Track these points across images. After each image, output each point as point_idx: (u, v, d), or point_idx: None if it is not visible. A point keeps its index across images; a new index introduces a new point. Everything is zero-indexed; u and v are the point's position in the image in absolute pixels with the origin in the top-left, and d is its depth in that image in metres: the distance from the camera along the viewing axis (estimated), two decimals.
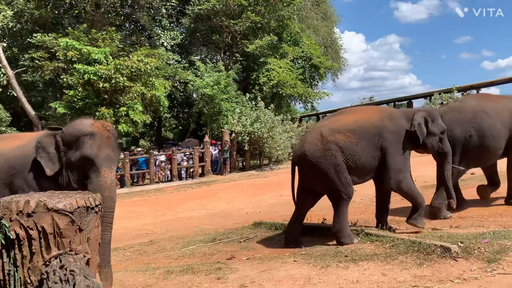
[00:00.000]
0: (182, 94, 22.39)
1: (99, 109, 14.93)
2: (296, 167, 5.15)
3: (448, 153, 5.51)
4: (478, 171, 7.58)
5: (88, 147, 3.55)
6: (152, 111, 17.97)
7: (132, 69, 15.33)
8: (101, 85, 14.84)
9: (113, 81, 14.96)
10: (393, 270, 3.66)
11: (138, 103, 15.58)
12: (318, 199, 5.29)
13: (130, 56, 16.01)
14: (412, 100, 27.09)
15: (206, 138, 16.72)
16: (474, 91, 22.47)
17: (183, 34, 22.28)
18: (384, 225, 5.20)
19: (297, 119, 22.30)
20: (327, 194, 5.05)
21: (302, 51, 22.67)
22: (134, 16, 21.00)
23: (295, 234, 5.18)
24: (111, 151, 3.65)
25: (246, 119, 16.89)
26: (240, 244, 5.59)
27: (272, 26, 21.65)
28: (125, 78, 15.17)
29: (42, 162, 3.52)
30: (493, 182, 6.49)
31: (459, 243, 3.90)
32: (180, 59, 20.88)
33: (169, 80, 18.97)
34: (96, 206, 1.80)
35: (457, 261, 3.60)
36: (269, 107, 17.61)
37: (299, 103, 25.23)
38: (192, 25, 22.01)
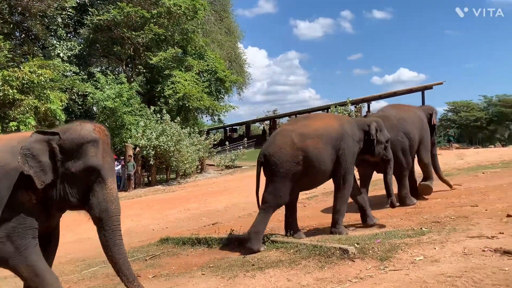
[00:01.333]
0: (81, 107, 21.16)
1: None
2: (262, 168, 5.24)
3: (391, 160, 5.94)
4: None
5: (93, 156, 3.11)
6: (47, 126, 16.70)
7: (23, 81, 14.15)
8: None
9: (0, 94, 13.69)
10: (297, 275, 3.79)
11: (31, 117, 14.39)
12: (297, 196, 5.55)
13: (21, 67, 14.77)
14: (311, 113, 28.65)
15: None
16: (366, 104, 24.42)
17: (81, 45, 21.16)
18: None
19: (205, 132, 22.29)
20: (263, 195, 5.15)
21: (207, 65, 22.79)
22: (26, 25, 19.44)
23: (294, 225, 5.40)
24: (112, 159, 3.31)
25: (151, 132, 16.48)
26: (146, 262, 5.40)
27: (176, 39, 21.51)
28: (15, 91, 13.96)
29: (32, 172, 2.98)
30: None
31: (356, 244, 4.17)
32: (78, 71, 19.73)
33: (66, 92, 17.80)
34: None
35: (354, 261, 3.84)
36: (176, 120, 17.37)
37: (206, 116, 25.26)
38: (91, 36, 21.01)
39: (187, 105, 20.12)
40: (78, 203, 3.19)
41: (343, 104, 21.03)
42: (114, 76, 19.41)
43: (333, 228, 5.37)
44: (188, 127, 17.99)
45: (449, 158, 12.83)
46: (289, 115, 34.51)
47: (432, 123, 7.76)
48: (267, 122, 43.55)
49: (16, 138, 3.27)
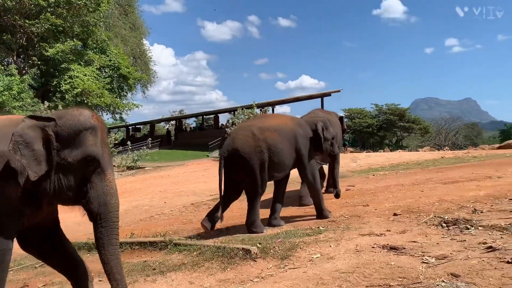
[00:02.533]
0: None
1: None
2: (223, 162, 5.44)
3: (338, 155, 6.65)
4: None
5: (92, 144, 2.78)
6: None
7: None
8: None
9: None
10: (200, 277, 3.77)
11: None
12: (241, 193, 5.78)
13: None
14: (218, 114, 28.82)
15: None
16: (270, 108, 25.19)
17: None
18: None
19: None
20: (246, 188, 5.57)
21: (110, 60, 21.74)
22: None
23: (211, 217, 5.53)
24: (110, 150, 2.97)
25: None
26: (35, 270, 4.97)
27: (75, 31, 20.19)
28: None
29: (24, 162, 2.60)
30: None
31: (258, 244, 4.27)
32: None
33: None
34: None
35: (256, 261, 3.92)
36: None
37: (107, 113, 24.05)
38: None
39: (86, 101, 18.97)
40: (73, 197, 2.84)
41: (250, 107, 21.43)
42: (3, 67, 17.60)
43: (319, 217, 5.91)
44: None
45: (344, 161, 13.73)
46: (195, 115, 34.34)
47: (342, 128, 8.37)
48: (173, 122, 42.81)
49: (3, 121, 2.90)
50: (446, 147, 27.83)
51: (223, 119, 29.81)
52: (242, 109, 21.27)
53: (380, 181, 9.18)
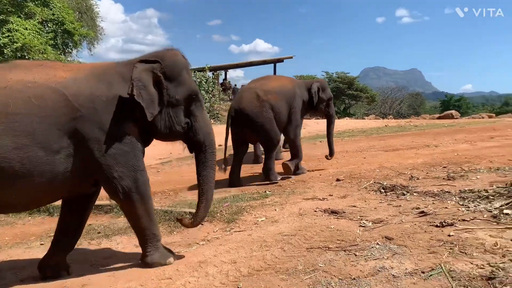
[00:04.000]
0: None
1: None
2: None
3: (333, 116, 7.13)
4: None
5: (191, 81, 3.15)
6: None
7: None
8: None
9: None
10: None
11: None
12: (248, 148, 6.53)
13: None
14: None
15: None
16: (223, 72, 24.89)
17: None
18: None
19: None
20: (261, 142, 6.41)
21: (53, 14, 20.36)
22: None
23: (237, 176, 6.22)
24: None
25: None
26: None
27: None
28: None
29: (143, 103, 2.79)
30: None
31: None
32: None
33: None
34: None
35: (203, 224, 3.98)
36: None
37: None
38: None
39: (27, 57, 17.81)
40: (182, 131, 3.13)
41: (202, 70, 21.07)
42: None
43: (297, 171, 6.45)
44: None
45: None
46: None
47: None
48: None
49: (98, 67, 2.96)
50: (390, 116, 28.96)
51: None
52: (194, 72, 20.89)
53: (326, 147, 9.46)
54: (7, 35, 17.55)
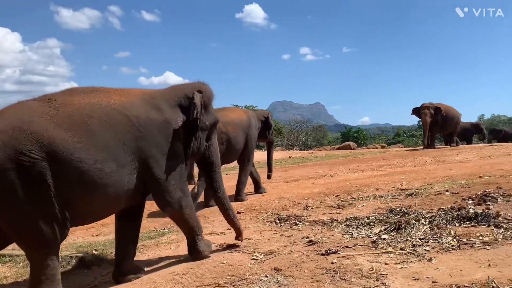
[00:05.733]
0: None
1: None
2: None
3: (273, 143, 8.00)
4: None
5: (214, 111, 3.79)
6: None
7: None
8: None
9: None
10: None
11: None
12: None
13: None
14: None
15: None
16: None
17: None
18: None
19: None
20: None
21: None
22: None
23: None
24: None
25: None
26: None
27: None
28: None
29: (200, 126, 3.47)
30: None
31: (94, 251, 4.08)
32: None
33: None
34: None
35: (90, 269, 3.74)
36: None
37: None
38: None
39: None
40: (203, 153, 3.70)
41: None
42: None
43: (237, 197, 6.68)
44: None
45: None
46: None
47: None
48: None
49: (147, 94, 3.33)
50: (296, 147, 30.22)
51: None
52: None
53: (231, 180, 9.54)
54: None
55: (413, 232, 3.66)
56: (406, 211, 4.36)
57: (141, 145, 3.02)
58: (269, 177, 7.89)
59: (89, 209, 2.88)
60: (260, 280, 2.92)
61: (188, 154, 3.43)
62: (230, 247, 3.90)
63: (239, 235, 3.93)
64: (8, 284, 3.64)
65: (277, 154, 18.11)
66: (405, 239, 3.51)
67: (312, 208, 5.31)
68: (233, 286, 2.88)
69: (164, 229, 5.17)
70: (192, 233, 3.61)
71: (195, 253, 3.61)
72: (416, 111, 14.54)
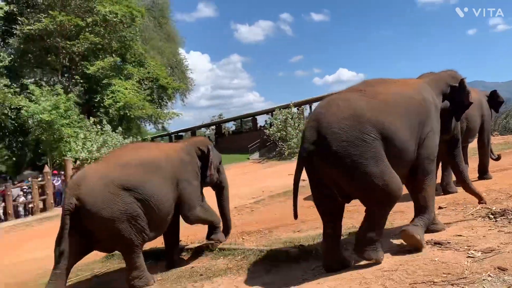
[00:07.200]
0: (14, 121, 19.98)
1: None
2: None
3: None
4: None
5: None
6: None
7: None
8: None
9: None
10: (245, 281, 3.85)
11: None
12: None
13: None
14: (256, 117, 29.01)
15: (46, 168, 15.18)
16: (308, 106, 25.06)
17: (12, 56, 19.93)
18: None
19: (149, 141, 21.86)
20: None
21: (148, 72, 22.42)
22: None
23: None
24: None
25: (92, 144, 15.94)
26: (91, 280, 5.24)
27: (114, 47, 20.99)
28: None
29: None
30: None
31: (299, 246, 4.30)
32: (9, 83, 18.60)
33: None
34: None
35: (298, 263, 3.96)
36: (117, 130, 16.93)
37: (149, 124, 24.81)
38: (22, 46, 19.92)
39: (128, 114, 19.67)
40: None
41: (287, 106, 21.44)
42: (49, 88, 18.51)
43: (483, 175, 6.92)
44: (131, 137, 17.61)
45: None
46: (234, 119, 34.70)
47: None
48: (213, 127, 43.43)
49: (419, 83, 3.99)
50: (496, 132, 26.60)
51: (261, 120, 29.98)
52: (280, 109, 21.32)
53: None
54: (111, 96, 19.59)
55: None
56: None
57: (423, 124, 3.59)
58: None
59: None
60: (483, 279, 2.65)
61: (453, 130, 4.20)
62: (438, 244, 3.64)
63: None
64: (230, 274, 4.12)
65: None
66: None
67: None
68: (452, 285, 2.68)
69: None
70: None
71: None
72: None
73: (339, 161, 3.23)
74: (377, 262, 3.38)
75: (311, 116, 3.57)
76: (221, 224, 5.39)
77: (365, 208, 3.46)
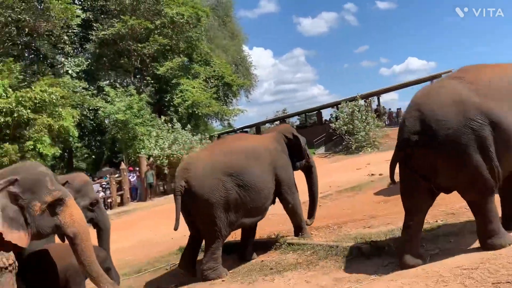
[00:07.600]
0: (92, 121, 21.42)
1: (1, 146, 13.79)
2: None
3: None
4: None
5: None
6: (61, 142, 17.00)
7: (35, 101, 14.36)
8: (1, 119, 13.75)
9: (15, 115, 13.94)
10: (316, 276, 3.85)
11: (46, 135, 14.64)
12: None
13: (33, 87, 15.03)
14: (321, 110, 28.65)
15: (123, 165, 16.14)
16: (375, 98, 24.30)
17: (89, 60, 21.36)
18: None
19: (216, 137, 22.43)
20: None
21: (214, 71, 22.95)
22: (34, 45, 19.77)
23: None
24: None
25: (164, 142, 16.64)
26: (167, 272, 5.49)
27: (181, 47, 21.73)
28: (29, 111, 14.21)
29: None
30: None
31: (371, 242, 4.21)
32: (87, 86, 19.97)
33: (77, 108, 18.07)
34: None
35: (370, 259, 3.88)
36: (186, 128, 17.54)
37: (216, 121, 25.43)
38: (97, 50, 21.28)
39: (196, 112, 20.30)
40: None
41: (353, 99, 20.95)
42: (123, 89, 19.63)
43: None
44: (199, 134, 18.11)
45: None
46: (299, 114, 34.53)
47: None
48: (277, 122, 43.56)
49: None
50: None
51: (326, 114, 29.57)
52: (346, 102, 20.88)
53: None
54: (179, 95, 20.33)
55: None
56: None
57: None
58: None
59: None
60: None
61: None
62: None
63: None
64: (300, 269, 4.13)
65: None
66: None
67: None
68: None
69: (436, 221, 4.93)
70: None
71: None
72: None
73: (445, 150, 3.17)
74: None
75: (410, 106, 3.47)
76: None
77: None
